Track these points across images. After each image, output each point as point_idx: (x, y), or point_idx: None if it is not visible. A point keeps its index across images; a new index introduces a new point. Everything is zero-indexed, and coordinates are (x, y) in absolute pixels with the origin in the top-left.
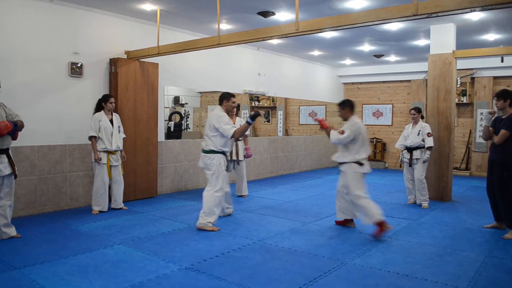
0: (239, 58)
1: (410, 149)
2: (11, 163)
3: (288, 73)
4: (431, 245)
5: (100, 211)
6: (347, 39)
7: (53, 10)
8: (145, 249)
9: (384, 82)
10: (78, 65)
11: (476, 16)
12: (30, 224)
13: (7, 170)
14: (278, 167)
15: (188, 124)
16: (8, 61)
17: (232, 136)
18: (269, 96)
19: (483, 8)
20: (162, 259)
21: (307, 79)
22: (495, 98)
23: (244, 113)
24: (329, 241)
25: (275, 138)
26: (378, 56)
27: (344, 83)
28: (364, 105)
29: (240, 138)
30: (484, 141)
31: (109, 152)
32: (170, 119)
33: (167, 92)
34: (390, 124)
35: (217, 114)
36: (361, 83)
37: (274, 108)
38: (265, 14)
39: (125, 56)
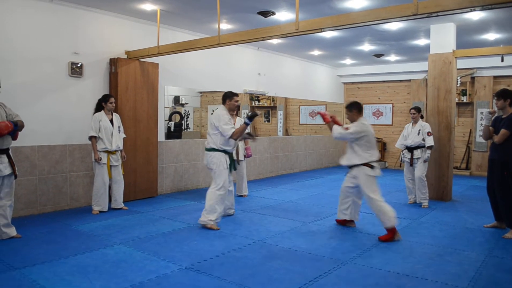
0: (239, 58)
1: (410, 149)
2: (11, 163)
3: (288, 72)
4: (431, 244)
5: (100, 211)
6: (347, 38)
7: (53, 10)
8: (145, 249)
9: (384, 81)
10: (78, 65)
11: (476, 15)
12: (30, 224)
13: (7, 170)
14: (278, 166)
15: (188, 124)
16: (8, 61)
17: (231, 137)
18: (269, 96)
19: (483, 7)
20: (162, 259)
21: (307, 79)
22: (495, 98)
23: (244, 113)
24: (329, 241)
25: (275, 137)
26: (378, 55)
27: (344, 83)
28: (364, 105)
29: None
30: (484, 141)
31: (109, 152)
32: (170, 119)
33: (167, 92)
34: (390, 123)
35: (219, 113)
36: (361, 82)
37: (274, 107)
38: (265, 14)
39: (125, 56)
